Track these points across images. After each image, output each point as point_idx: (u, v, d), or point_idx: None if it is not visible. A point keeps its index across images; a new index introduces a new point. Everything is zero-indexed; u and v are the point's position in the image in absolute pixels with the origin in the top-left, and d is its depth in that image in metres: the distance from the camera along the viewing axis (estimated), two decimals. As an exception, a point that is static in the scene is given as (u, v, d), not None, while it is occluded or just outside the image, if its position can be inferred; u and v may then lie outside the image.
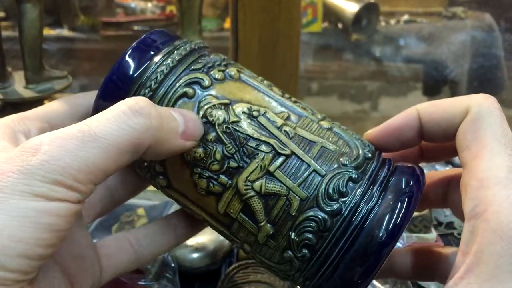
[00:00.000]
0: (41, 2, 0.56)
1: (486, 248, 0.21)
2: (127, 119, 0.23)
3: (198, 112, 0.27)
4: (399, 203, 0.25)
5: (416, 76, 1.65)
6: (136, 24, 1.48)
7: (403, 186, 0.26)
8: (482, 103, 0.25)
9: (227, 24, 1.42)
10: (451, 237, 0.61)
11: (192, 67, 0.29)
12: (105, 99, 0.28)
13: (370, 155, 0.28)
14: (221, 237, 0.54)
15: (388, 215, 0.25)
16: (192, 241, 0.52)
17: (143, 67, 0.28)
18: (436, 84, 1.57)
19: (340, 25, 1.58)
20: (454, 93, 1.51)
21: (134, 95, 0.28)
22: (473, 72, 1.45)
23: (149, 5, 1.64)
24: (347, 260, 0.25)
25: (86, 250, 0.30)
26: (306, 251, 0.26)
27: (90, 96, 0.30)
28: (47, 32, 1.39)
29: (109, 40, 1.44)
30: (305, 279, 0.27)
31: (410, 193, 0.26)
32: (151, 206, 0.61)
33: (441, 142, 0.28)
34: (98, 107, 0.28)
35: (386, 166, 0.27)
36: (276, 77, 0.71)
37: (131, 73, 0.28)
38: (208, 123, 0.27)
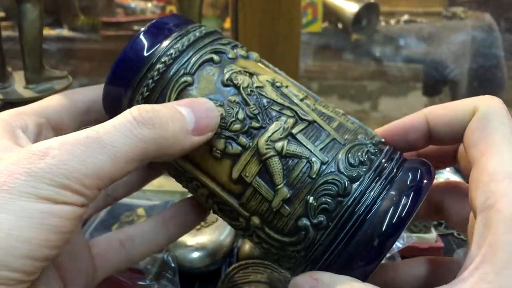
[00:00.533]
0: (41, 2, 0.56)
1: (501, 237, 0.21)
2: (133, 128, 0.23)
3: (222, 76, 0.28)
4: (418, 177, 0.26)
5: (416, 76, 1.65)
6: (136, 24, 1.48)
7: (417, 170, 0.27)
8: (489, 103, 0.26)
9: (227, 24, 1.42)
10: (451, 237, 0.61)
11: (219, 42, 0.29)
12: (121, 76, 0.28)
13: (383, 140, 0.29)
14: (221, 237, 0.54)
15: (410, 178, 0.26)
16: (192, 241, 0.52)
17: (167, 36, 0.28)
18: (436, 84, 1.57)
19: (340, 25, 1.58)
20: (454, 93, 1.51)
21: (159, 57, 0.28)
22: (473, 72, 1.45)
23: (149, 5, 1.64)
24: (365, 228, 0.25)
25: (80, 249, 0.30)
26: (323, 217, 0.25)
27: (89, 92, 0.30)
28: (47, 32, 1.39)
29: (109, 40, 1.44)
30: (310, 260, 0.26)
31: (426, 166, 0.27)
32: (151, 206, 0.61)
33: (450, 144, 0.29)
34: (109, 86, 0.29)
35: (398, 152, 0.28)
36: (276, 77, 0.71)
37: (156, 38, 0.28)
38: (232, 86, 0.27)
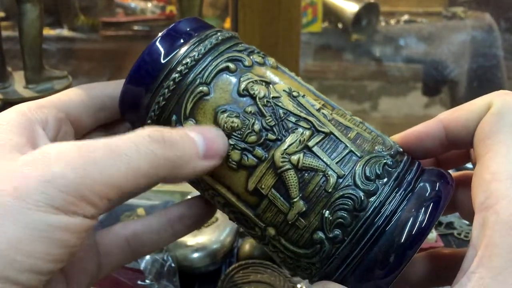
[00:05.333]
0: (41, 2, 0.56)
1: (497, 240, 0.21)
2: (147, 143, 0.23)
3: (238, 86, 0.27)
4: (437, 188, 0.26)
5: (416, 76, 1.65)
6: (136, 24, 1.48)
7: (436, 182, 0.26)
8: (504, 98, 0.25)
9: (227, 24, 1.42)
10: (451, 237, 0.61)
11: (235, 48, 0.29)
12: (137, 82, 0.28)
13: (401, 149, 0.28)
14: (221, 237, 0.54)
15: (429, 190, 0.25)
16: (192, 241, 0.52)
17: (183, 44, 0.28)
18: (436, 84, 1.57)
19: (340, 25, 1.59)
20: (453, 93, 1.52)
21: (175, 66, 0.28)
22: (473, 72, 1.45)
23: (149, 5, 1.64)
24: (382, 241, 0.24)
25: (88, 250, 0.30)
26: (339, 231, 0.25)
27: (104, 87, 0.30)
28: (47, 32, 1.39)
29: (109, 40, 1.44)
30: (326, 272, 0.26)
31: (445, 177, 0.27)
32: (151, 206, 0.61)
33: (469, 148, 0.27)
34: (125, 92, 0.28)
35: (416, 163, 0.28)
36: (276, 77, 0.71)
37: (172, 46, 0.28)
38: (248, 96, 0.27)
